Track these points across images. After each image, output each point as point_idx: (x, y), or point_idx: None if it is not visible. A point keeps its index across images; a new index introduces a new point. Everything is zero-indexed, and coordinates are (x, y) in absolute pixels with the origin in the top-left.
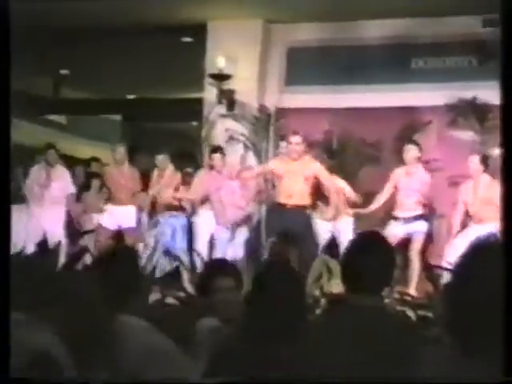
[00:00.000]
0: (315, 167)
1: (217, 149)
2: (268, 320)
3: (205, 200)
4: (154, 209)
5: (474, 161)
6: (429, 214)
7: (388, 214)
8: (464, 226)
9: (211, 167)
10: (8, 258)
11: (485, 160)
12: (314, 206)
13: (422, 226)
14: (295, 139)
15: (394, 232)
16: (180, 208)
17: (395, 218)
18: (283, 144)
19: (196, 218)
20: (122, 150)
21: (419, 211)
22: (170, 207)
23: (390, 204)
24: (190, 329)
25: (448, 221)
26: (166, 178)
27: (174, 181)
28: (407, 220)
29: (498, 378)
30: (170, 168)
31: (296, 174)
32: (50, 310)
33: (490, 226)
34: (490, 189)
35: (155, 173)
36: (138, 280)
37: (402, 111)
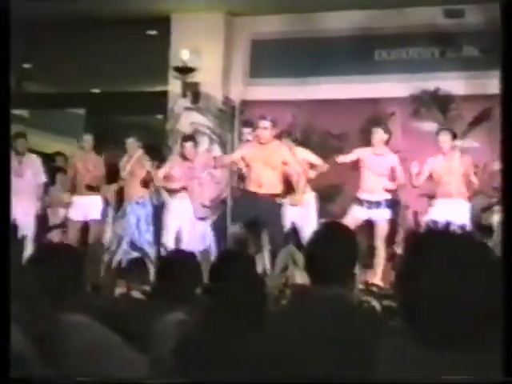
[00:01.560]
0: (283, 153)
1: (189, 137)
2: (227, 311)
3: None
4: (121, 198)
5: (446, 137)
6: (393, 201)
7: (352, 197)
8: (431, 197)
9: (183, 156)
10: (8, 260)
11: (455, 137)
12: (284, 193)
13: (386, 213)
14: (263, 123)
15: (357, 216)
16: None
17: (359, 201)
18: (246, 130)
19: (166, 208)
20: (89, 139)
21: (384, 196)
22: (139, 196)
23: (355, 188)
24: (155, 323)
25: (412, 211)
26: (134, 160)
27: (143, 164)
28: (371, 204)
29: (498, 378)
30: (139, 152)
31: (266, 161)
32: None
33: (458, 201)
34: (461, 164)
35: (124, 159)
36: (79, 278)
37: (365, 103)
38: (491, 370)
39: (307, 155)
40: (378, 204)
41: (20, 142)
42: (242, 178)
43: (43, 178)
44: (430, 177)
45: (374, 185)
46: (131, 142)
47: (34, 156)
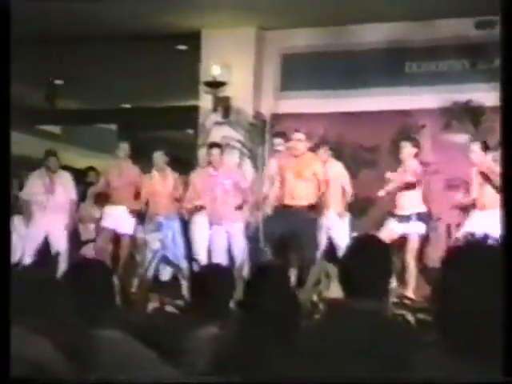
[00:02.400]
0: (315, 165)
1: (215, 144)
2: (261, 325)
3: (200, 205)
4: (151, 212)
5: (475, 148)
6: (426, 215)
7: (386, 212)
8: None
9: (208, 163)
10: (8, 263)
11: (485, 147)
12: (318, 206)
13: (419, 227)
14: (298, 135)
15: (390, 230)
16: (177, 212)
17: (392, 216)
18: (277, 141)
19: (192, 223)
20: (125, 147)
21: (416, 210)
22: (169, 210)
23: (389, 202)
24: (188, 338)
25: (445, 224)
26: (165, 175)
27: (172, 179)
28: (404, 218)
29: (497, 378)
30: (169, 169)
31: (298, 172)
32: (43, 321)
33: (493, 212)
34: (492, 173)
35: (154, 173)
36: (112, 293)
37: (396, 115)
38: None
39: (341, 170)
40: (409, 218)
41: (52, 160)
42: (276, 191)
43: (74, 195)
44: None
45: (406, 200)
46: (159, 155)
47: (66, 173)
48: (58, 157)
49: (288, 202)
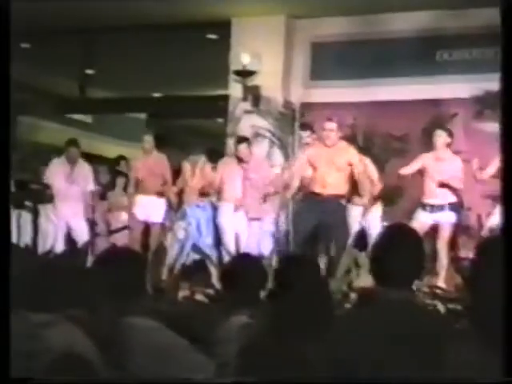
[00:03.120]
0: (350, 154)
1: (243, 139)
2: (291, 315)
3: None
4: (181, 201)
5: None
6: (457, 205)
7: (416, 202)
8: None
9: (238, 159)
10: (8, 258)
11: None
12: (350, 195)
13: (450, 216)
14: (330, 125)
15: (421, 220)
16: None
17: (423, 206)
18: (304, 134)
19: (219, 212)
20: (150, 139)
21: (448, 200)
22: (194, 199)
23: (419, 192)
24: (219, 326)
25: (476, 214)
26: (197, 164)
27: (204, 168)
28: (435, 208)
29: (497, 378)
30: (203, 160)
31: (331, 162)
32: (75, 310)
33: None
34: None
35: (187, 163)
36: (143, 281)
37: (427, 104)
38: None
39: (372, 167)
40: (441, 207)
41: (72, 150)
42: (306, 180)
43: (92, 187)
44: (496, 176)
45: (437, 190)
46: (194, 158)
47: (85, 164)
48: (79, 146)
49: (318, 190)
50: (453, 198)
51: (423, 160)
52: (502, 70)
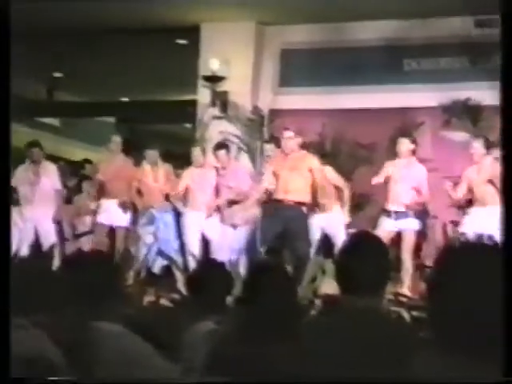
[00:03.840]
0: (310, 160)
1: (221, 145)
2: (259, 322)
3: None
4: (146, 206)
5: (478, 145)
6: (422, 212)
7: (382, 209)
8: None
9: (215, 165)
10: (8, 261)
11: (488, 144)
12: (312, 203)
13: (413, 224)
14: (287, 134)
15: (385, 228)
16: (170, 204)
17: (387, 213)
18: (269, 147)
19: (187, 217)
20: (117, 140)
21: (412, 207)
22: (162, 204)
23: (384, 199)
24: (185, 332)
25: (441, 221)
26: (162, 174)
27: (168, 173)
28: (399, 215)
29: (497, 377)
30: (161, 165)
31: (292, 168)
32: (41, 315)
33: (492, 208)
34: (493, 170)
35: (147, 167)
36: (110, 286)
37: (395, 112)
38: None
39: (332, 175)
40: (405, 214)
41: (35, 151)
42: (270, 186)
43: (58, 186)
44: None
45: (402, 196)
46: (152, 154)
47: (50, 164)
48: (42, 147)
49: (281, 196)
50: (417, 206)
51: (390, 168)
52: (501, 76)
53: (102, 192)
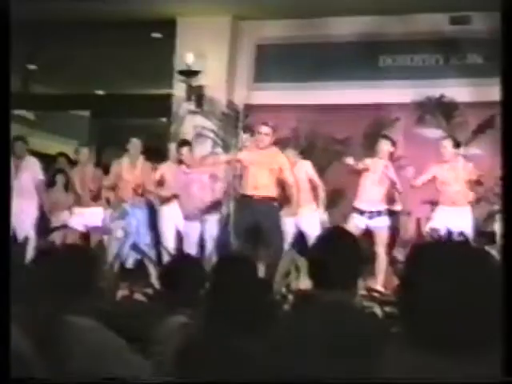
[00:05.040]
0: (281, 160)
1: (185, 142)
2: (229, 315)
3: (171, 195)
4: (116, 197)
5: (448, 145)
6: (393, 210)
7: (352, 207)
8: (434, 204)
9: (180, 161)
10: (8, 261)
11: (457, 144)
12: (280, 199)
13: (385, 221)
14: (264, 129)
15: (357, 224)
16: (143, 200)
17: (358, 211)
18: (245, 136)
19: (161, 211)
20: (85, 151)
21: (384, 206)
22: (135, 198)
23: (356, 196)
24: (157, 326)
25: (415, 218)
26: (138, 167)
27: (143, 167)
28: (370, 214)
29: (497, 377)
30: (141, 156)
31: (262, 164)
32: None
33: (461, 208)
34: (463, 171)
35: (124, 160)
36: (83, 279)
37: (369, 108)
38: (491, 379)
39: (310, 170)
40: (378, 213)
41: (18, 146)
42: (239, 180)
43: (41, 176)
44: (433, 183)
45: (373, 194)
46: (134, 142)
47: (32, 158)
48: (26, 142)
49: (250, 192)
50: (389, 204)
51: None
52: (501, 75)
53: (75, 199)
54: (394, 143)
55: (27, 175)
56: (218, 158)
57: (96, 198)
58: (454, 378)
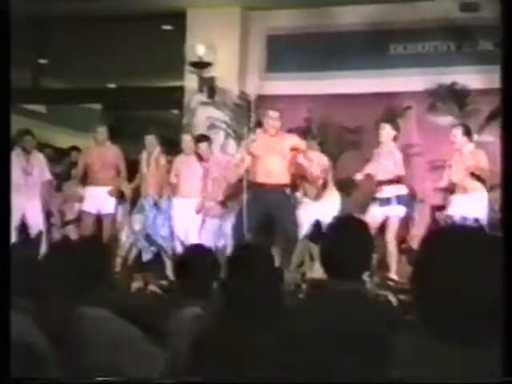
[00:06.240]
0: (292, 140)
1: (203, 137)
2: (245, 306)
3: (185, 188)
4: (136, 194)
5: (458, 132)
6: (408, 197)
7: (368, 195)
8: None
9: (198, 156)
10: (8, 259)
11: (467, 131)
12: (295, 185)
13: (397, 209)
14: (273, 114)
15: (373, 214)
16: (160, 191)
17: (375, 200)
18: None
19: (176, 203)
20: (103, 130)
21: (395, 192)
22: (152, 192)
23: (370, 185)
24: (171, 318)
25: (428, 205)
26: (153, 157)
27: (160, 161)
28: (385, 201)
29: (497, 377)
30: (158, 150)
31: (274, 151)
32: (29, 301)
33: (475, 195)
34: (474, 157)
35: (143, 155)
36: (101, 271)
37: (381, 97)
38: (503, 367)
39: (322, 160)
40: (388, 200)
41: (27, 140)
42: (251, 169)
43: (48, 176)
44: (447, 170)
45: (385, 182)
46: (150, 139)
47: (39, 154)
48: (34, 136)
49: (263, 180)
50: (402, 191)
51: (371, 165)
52: (501, 68)
53: (89, 180)
54: (395, 127)
55: (37, 171)
56: (233, 157)
57: (116, 176)
58: (456, 378)
